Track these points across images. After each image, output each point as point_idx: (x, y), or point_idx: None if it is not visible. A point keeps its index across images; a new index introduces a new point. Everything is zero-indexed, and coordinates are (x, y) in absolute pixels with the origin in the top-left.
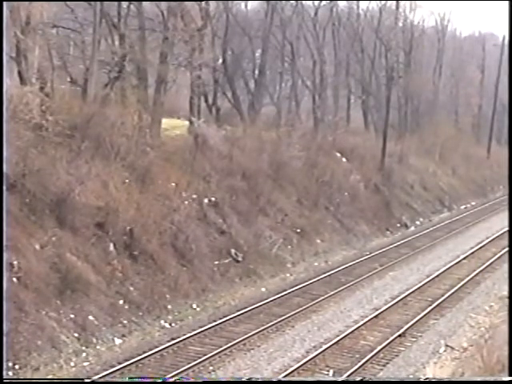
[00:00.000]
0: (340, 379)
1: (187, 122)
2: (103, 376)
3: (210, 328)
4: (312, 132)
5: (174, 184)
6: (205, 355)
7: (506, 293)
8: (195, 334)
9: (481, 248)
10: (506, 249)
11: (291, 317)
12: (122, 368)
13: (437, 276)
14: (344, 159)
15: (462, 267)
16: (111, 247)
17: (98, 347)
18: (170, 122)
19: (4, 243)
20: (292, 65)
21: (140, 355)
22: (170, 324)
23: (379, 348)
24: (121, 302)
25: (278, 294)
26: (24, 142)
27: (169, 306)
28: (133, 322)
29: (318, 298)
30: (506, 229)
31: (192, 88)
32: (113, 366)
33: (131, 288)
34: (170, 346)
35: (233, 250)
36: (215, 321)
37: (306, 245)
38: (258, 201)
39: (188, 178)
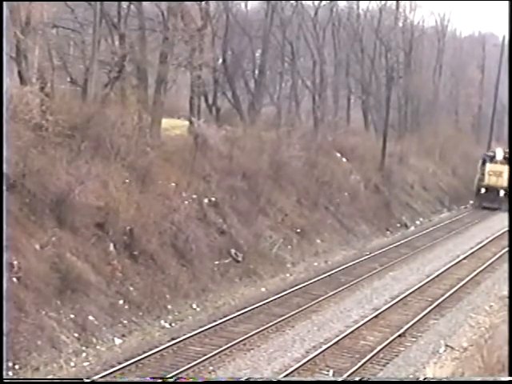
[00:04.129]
0: (340, 379)
1: (187, 122)
2: (103, 376)
3: (210, 328)
4: (312, 132)
5: (174, 184)
6: (205, 355)
7: (505, 293)
8: (195, 334)
9: (481, 248)
10: (506, 249)
11: (291, 317)
12: (122, 368)
13: (437, 276)
14: (344, 159)
15: (461, 267)
16: (111, 247)
17: (98, 347)
18: (170, 122)
19: (4, 243)
20: (292, 65)
21: (140, 355)
22: (170, 324)
23: (379, 348)
24: (121, 301)
25: (277, 294)
26: (24, 142)
27: (169, 306)
28: (133, 322)
29: (317, 298)
30: (506, 229)
31: (192, 88)
32: (113, 366)
33: (131, 288)
34: (170, 346)
35: (233, 250)
36: (215, 321)
37: (305, 245)
38: (257, 201)
39: (188, 178)
